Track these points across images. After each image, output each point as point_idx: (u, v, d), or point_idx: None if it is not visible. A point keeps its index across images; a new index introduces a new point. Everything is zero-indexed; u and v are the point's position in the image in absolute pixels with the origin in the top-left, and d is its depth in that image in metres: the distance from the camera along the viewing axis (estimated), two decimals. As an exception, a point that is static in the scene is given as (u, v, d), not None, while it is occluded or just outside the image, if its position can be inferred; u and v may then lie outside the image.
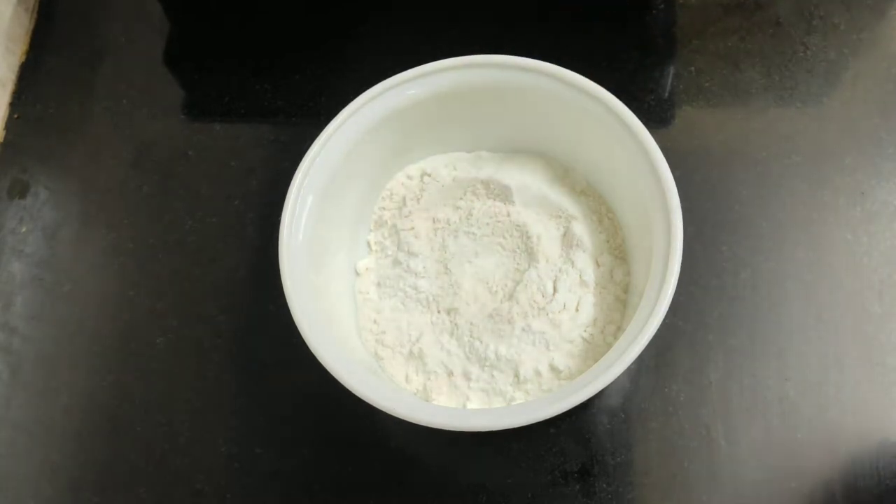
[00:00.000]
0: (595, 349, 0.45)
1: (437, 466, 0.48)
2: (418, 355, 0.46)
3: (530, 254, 0.47)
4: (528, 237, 0.48)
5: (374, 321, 0.48)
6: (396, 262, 0.49)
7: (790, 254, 0.50)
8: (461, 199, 0.50)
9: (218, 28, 0.62)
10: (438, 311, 0.47)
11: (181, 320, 0.52)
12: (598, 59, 0.54)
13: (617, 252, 0.48)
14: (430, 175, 0.52)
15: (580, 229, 0.48)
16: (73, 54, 0.61)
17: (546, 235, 0.48)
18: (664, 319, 0.39)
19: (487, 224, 0.49)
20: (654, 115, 0.55)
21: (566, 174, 0.50)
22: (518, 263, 0.48)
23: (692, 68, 0.56)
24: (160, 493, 0.48)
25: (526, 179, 0.50)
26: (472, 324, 0.46)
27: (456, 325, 0.46)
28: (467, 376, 0.45)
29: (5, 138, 0.59)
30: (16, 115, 0.59)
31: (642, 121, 0.43)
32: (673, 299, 0.39)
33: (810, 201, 0.52)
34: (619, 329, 0.45)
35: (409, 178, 0.52)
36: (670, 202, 0.41)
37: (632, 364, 0.38)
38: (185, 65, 0.60)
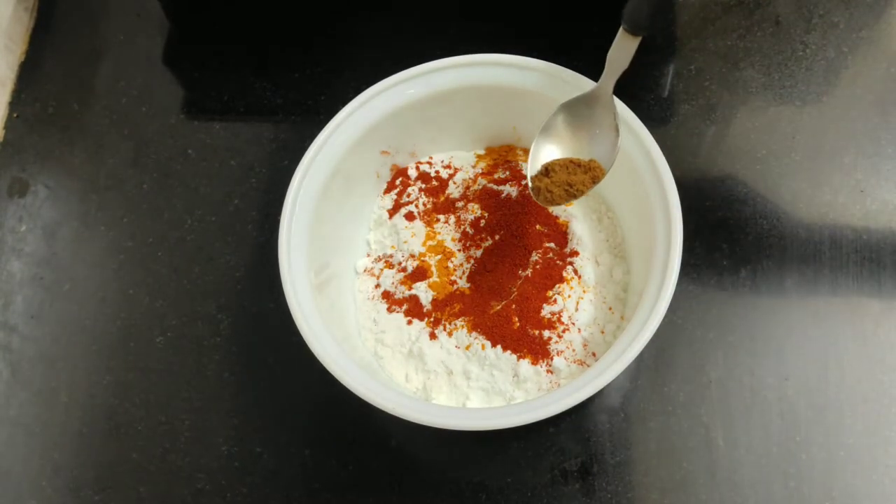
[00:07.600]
0: (595, 349, 0.45)
1: (437, 466, 0.48)
2: (418, 354, 0.46)
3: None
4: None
5: (374, 321, 0.48)
6: (396, 262, 0.49)
7: (790, 253, 0.50)
8: (461, 198, 0.50)
9: (218, 28, 0.61)
10: (438, 311, 0.47)
11: (181, 319, 0.52)
12: (597, 58, 0.54)
13: (616, 251, 0.48)
14: (429, 175, 0.52)
15: (580, 228, 0.48)
16: (73, 54, 0.61)
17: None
18: (664, 319, 0.39)
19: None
20: (654, 114, 0.55)
21: (566, 173, 0.50)
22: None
23: (692, 67, 0.56)
24: (160, 492, 0.48)
25: (525, 178, 0.50)
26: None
27: (456, 324, 0.46)
28: (467, 375, 0.45)
29: (5, 137, 0.59)
30: (15, 115, 0.59)
31: (642, 120, 0.43)
32: (673, 299, 0.39)
33: (810, 200, 0.52)
34: (619, 329, 0.45)
35: (409, 177, 0.52)
36: (670, 201, 0.41)
37: (632, 364, 0.38)
38: (185, 64, 0.60)
